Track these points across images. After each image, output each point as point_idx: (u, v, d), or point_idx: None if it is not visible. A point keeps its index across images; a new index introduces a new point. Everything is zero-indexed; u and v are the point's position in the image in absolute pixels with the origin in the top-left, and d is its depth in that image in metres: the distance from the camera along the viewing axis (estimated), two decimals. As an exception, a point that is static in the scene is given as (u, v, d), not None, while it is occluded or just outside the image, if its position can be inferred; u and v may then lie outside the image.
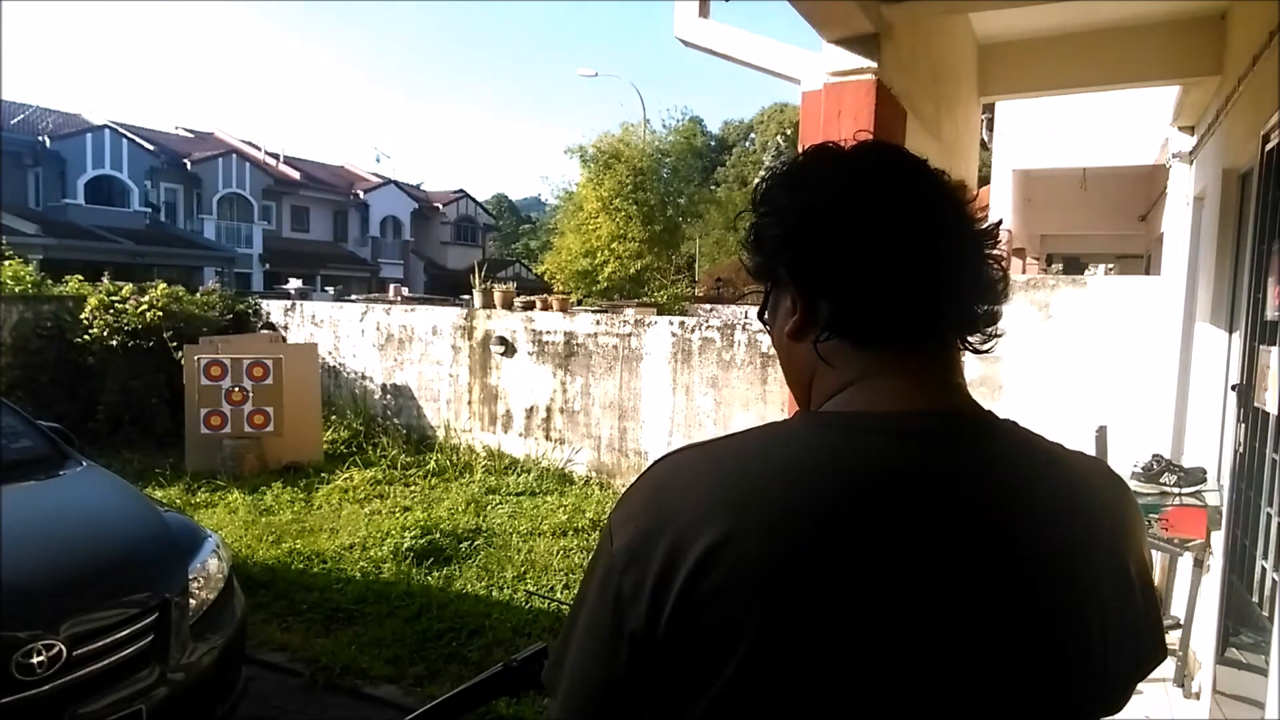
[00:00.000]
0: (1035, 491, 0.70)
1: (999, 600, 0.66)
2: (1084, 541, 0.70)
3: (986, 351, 0.76)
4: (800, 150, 0.79)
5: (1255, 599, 2.68)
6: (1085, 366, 5.16)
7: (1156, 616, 0.76)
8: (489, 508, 6.41)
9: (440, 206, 35.28)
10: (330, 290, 17.98)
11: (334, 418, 8.65)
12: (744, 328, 6.93)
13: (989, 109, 7.39)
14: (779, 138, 39.48)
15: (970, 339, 0.75)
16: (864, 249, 0.70)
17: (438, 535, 5.51)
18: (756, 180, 0.80)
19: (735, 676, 0.65)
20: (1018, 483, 0.70)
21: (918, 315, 0.71)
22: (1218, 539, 3.26)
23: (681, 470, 0.71)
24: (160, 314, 8.29)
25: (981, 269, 0.74)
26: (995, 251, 0.74)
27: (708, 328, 7.10)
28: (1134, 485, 3.62)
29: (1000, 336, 0.77)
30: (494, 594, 4.73)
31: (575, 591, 0.76)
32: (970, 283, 0.73)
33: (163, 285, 8.75)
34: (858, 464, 0.67)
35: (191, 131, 30.46)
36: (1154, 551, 4.01)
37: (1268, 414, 2.49)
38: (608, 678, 0.70)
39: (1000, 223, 0.76)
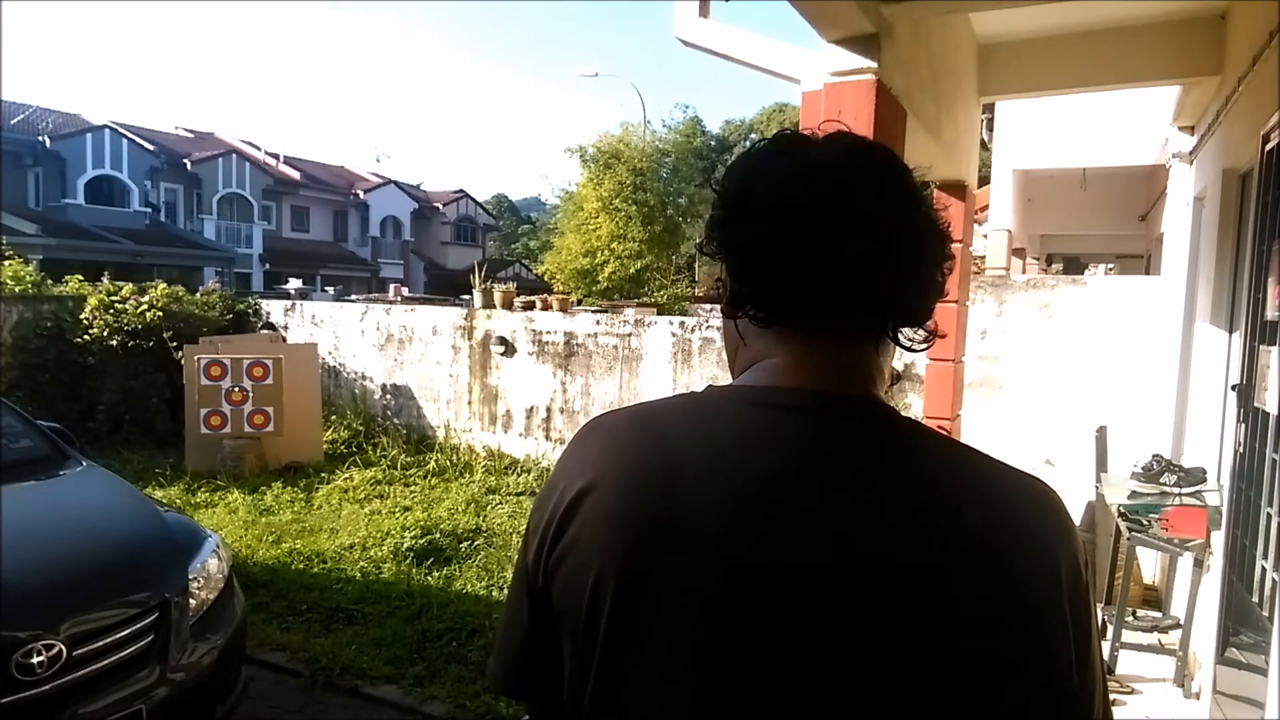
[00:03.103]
0: (888, 477, 0.68)
1: (821, 567, 0.64)
2: (951, 546, 0.65)
3: (919, 350, 0.78)
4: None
5: (1255, 599, 2.68)
6: (1085, 366, 5.16)
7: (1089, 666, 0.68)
8: (489, 508, 6.41)
9: (440, 206, 35.27)
10: (330, 290, 17.95)
11: (334, 418, 8.64)
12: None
13: (989, 109, 7.40)
14: (779, 138, 39.39)
15: (901, 335, 0.75)
16: (766, 238, 0.72)
17: (438, 535, 5.51)
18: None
19: (587, 629, 0.69)
20: (875, 466, 0.69)
21: (808, 303, 0.72)
22: (1218, 539, 3.25)
23: (592, 429, 0.78)
24: (160, 314, 8.30)
25: (916, 272, 0.73)
26: (942, 258, 0.75)
27: (708, 328, 7.09)
28: (1134, 485, 3.62)
29: (941, 336, 0.78)
30: (494, 594, 4.73)
31: None
32: (888, 282, 0.71)
33: (163, 285, 8.76)
34: (716, 428, 0.71)
35: (191, 131, 30.43)
36: (1154, 551, 4.01)
37: (1268, 414, 2.49)
38: (521, 631, 0.76)
39: (949, 233, 0.76)
